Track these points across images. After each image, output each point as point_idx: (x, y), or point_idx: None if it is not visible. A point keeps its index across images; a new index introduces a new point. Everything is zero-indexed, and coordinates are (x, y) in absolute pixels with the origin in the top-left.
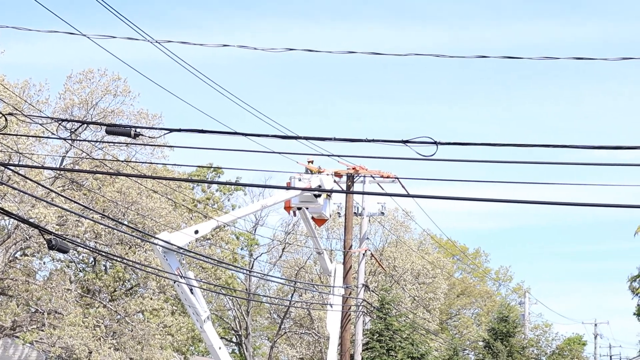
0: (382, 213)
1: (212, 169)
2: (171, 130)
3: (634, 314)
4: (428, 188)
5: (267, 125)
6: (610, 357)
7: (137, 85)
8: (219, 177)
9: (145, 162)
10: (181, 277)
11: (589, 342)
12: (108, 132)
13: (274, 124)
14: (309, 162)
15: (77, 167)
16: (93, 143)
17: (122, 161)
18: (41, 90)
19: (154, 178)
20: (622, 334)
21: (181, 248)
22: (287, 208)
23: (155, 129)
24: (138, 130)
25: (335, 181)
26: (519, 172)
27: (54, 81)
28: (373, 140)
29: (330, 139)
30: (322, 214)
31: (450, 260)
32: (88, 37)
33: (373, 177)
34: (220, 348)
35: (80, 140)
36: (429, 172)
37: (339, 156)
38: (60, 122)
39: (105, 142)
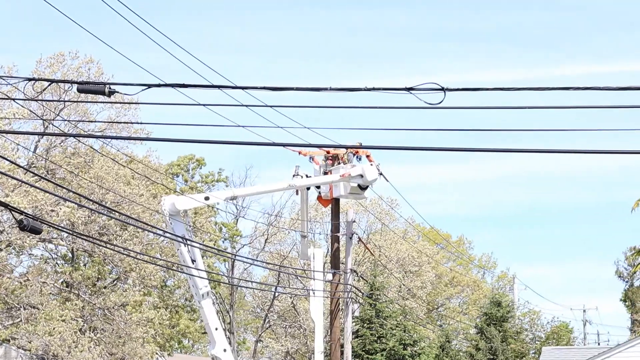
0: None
1: (194, 160)
2: (149, 86)
3: (620, 299)
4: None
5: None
6: (598, 343)
7: (112, 67)
8: (201, 168)
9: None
10: (185, 243)
11: (578, 328)
12: (80, 91)
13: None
14: (358, 143)
15: (50, 155)
16: (72, 122)
17: (97, 150)
18: (9, 73)
19: (133, 139)
20: (611, 319)
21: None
22: (320, 199)
23: (131, 84)
24: (112, 87)
25: (378, 169)
26: (531, 122)
27: (22, 66)
28: (374, 89)
29: (325, 89)
30: (327, 194)
31: (435, 249)
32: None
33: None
34: (217, 329)
35: (51, 101)
36: (435, 122)
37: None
38: (28, 81)
39: (80, 101)
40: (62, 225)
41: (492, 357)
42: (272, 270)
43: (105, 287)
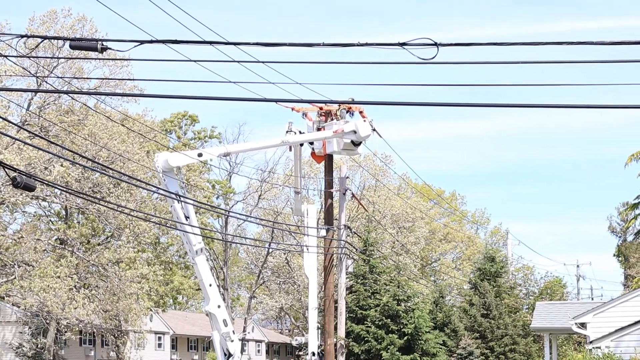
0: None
1: (187, 116)
2: (142, 42)
3: (614, 255)
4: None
5: (243, 53)
6: (592, 298)
7: (105, 25)
8: (194, 125)
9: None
10: (179, 200)
11: (571, 283)
12: (72, 47)
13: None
14: (350, 99)
15: (44, 113)
16: (66, 80)
17: (91, 108)
18: (2, 30)
19: (123, 95)
20: (604, 274)
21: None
22: (313, 155)
23: (124, 41)
24: (105, 43)
25: (371, 125)
26: (527, 76)
27: (17, 24)
28: (366, 45)
29: (318, 45)
30: (321, 150)
31: (429, 204)
32: None
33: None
34: (210, 285)
35: (44, 58)
36: (428, 78)
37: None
38: (21, 37)
39: (73, 57)
40: (56, 183)
41: (485, 312)
42: (265, 226)
43: (99, 244)
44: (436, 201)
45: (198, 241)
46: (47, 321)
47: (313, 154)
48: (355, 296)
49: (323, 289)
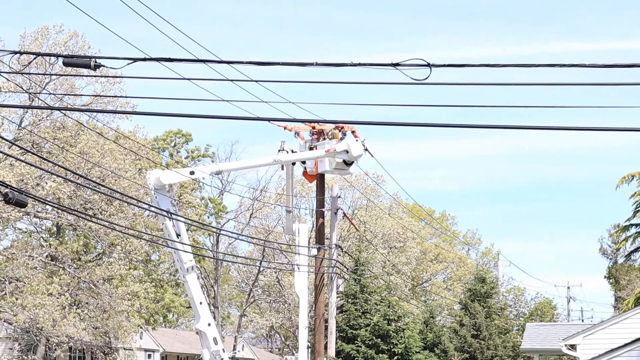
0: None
1: (180, 134)
2: (135, 60)
3: (604, 277)
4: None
5: (234, 70)
6: (582, 320)
7: (97, 41)
8: (187, 144)
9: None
10: (170, 218)
11: (562, 304)
12: (66, 64)
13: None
14: (336, 128)
15: (35, 129)
16: (58, 96)
17: (83, 124)
18: None
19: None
20: (594, 296)
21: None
22: (305, 174)
23: (117, 58)
24: (98, 61)
25: (363, 145)
26: (520, 97)
27: (9, 40)
28: (360, 65)
29: (311, 64)
30: (313, 169)
31: (420, 225)
32: None
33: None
34: (201, 303)
35: (37, 74)
36: (421, 98)
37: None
38: (14, 54)
39: (65, 74)
40: (47, 199)
41: (476, 332)
42: (257, 245)
43: (90, 261)
44: (427, 221)
45: (189, 259)
46: (38, 338)
47: (305, 173)
48: (345, 315)
49: (313, 308)
